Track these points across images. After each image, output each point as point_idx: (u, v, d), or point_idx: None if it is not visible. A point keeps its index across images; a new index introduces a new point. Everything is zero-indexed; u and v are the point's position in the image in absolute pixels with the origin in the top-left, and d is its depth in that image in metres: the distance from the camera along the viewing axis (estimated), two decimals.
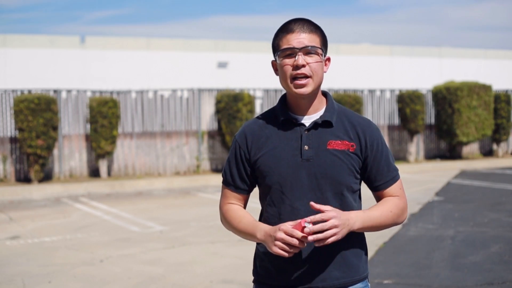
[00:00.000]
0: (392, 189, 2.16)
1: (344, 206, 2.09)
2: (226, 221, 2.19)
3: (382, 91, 17.35)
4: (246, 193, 2.22)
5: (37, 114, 12.50)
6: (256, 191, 2.29)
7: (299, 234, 1.91)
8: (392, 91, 17.48)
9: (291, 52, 2.03)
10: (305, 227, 1.91)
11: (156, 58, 18.08)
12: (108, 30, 68.91)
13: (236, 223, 2.14)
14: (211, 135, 14.96)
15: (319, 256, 2.06)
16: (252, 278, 2.24)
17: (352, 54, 20.57)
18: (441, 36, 71.20)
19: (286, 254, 1.95)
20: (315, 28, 2.08)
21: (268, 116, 2.17)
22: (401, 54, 21.75)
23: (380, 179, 2.14)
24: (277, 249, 1.95)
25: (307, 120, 2.11)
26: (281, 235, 1.94)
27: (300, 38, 2.03)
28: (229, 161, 2.21)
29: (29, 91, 13.18)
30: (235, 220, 2.15)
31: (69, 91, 13.70)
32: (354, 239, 2.12)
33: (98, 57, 17.35)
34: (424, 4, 74.50)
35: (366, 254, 2.19)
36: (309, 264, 2.07)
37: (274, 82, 16.83)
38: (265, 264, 2.14)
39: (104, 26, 65.82)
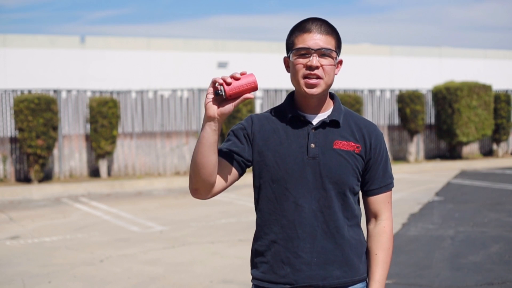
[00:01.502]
0: (383, 197, 2.16)
1: (346, 205, 2.10)
2: (191, 160, 2.05)
3: (382, 91, 17.35)
4: (233, 162, 2.10)
5: (37, 114, 12.50)
6: (251, 192, 2.27)
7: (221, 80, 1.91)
8: (392, 91, 17.48)
9: (306, 52, 2.03)
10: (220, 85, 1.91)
11: (156, 58, 18.08)
12: (108, 30, 68.91)
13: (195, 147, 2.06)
14: None
15: (321, 255, 2.07)
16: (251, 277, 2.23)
17: (352, 54, 20.58)
18: (441, 36, 71.23)
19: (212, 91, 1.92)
20: (332, 30, 2.07)
21: (275, 113, 2.16)
22: (401, 54, 21.76)
23: (374, 183, 2.15)
24: (210, 94, 1.93)
25: (315, 119, 2.11)
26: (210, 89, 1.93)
27: (316, 39, 2.03)
28: (234, 133, 2.14)
29: (29, 91, 13.18)
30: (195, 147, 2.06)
31: (69, 91, 13.69)
32: (355, 240, 2.12)
33: (98, 57, 17.36)
34: (424, 4, 74.53)
35: (366, 255, 2.19)
36: (310, 262, 2.07)
37: (274, 82, 16.85)
38: (264, 263, 2.14)
39: (104, 26, 65.83)
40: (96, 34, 40.28)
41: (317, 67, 2.01)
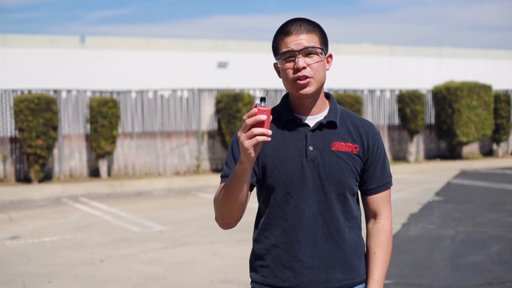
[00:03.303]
0: (382, 196, 2.15)
1: (346, 207, 2.09)
2: (219, 199, 2.02)
3: (382, 91, 17.35)
4: (248, 186, 2.06)
5: (37, 114, 12.50)
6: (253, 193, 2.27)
7: (255, 110, 1.80)
8: (392, 91, 17.48)
9: (291, 55, 2.02)
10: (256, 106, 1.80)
11: (156, 58, 18.08)
12: (108, 30, 68.96)
13: (224, 189, 2.01)
14: (211, 135, 14.96)
15: (322, 258, 2.06)
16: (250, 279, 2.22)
17: (352, 54, 20.58)
18: (441, 36, 71.27)
19: (260, 139, 1.81)
20: (313, 27, 2.05)
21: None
22: (401, 54, 21.75)
23: (373, 182, 2.13)
24: (248, 142, 1.81)
25: (311, 121, 2.09)
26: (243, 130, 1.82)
27: (298, 40, 2.01)
28: (232, 153, 2.10)
29: (29, 91, 13.18)
30: (222, 189, 2.02)
31: (69, 91, 13.70)
32: (356, 242, 2.12)
33: (98, 57, 17.36)
34: (424, 4, 74.58)
35: (366, 256, 2.18)
36: (312, 266, 2.06)
37: (274, 82, 16.85)
38: (264, 267, 2.13)
39: (104, 26, 65.87)
40: (96, 34, 40.31)
41: (304, 68, 2.00)
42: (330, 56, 2.11)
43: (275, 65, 2.12)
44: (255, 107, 1.80)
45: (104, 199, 11.49)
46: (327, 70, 2.09)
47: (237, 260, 6.41)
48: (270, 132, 1.81)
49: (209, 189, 12.72)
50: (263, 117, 1.79)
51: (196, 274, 5.96)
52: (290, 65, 2.02)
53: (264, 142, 2.06)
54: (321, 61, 2.03)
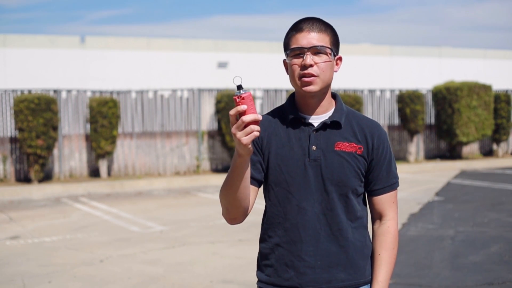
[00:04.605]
0: (387, 197, 2.14)
1: (349, 207, 2.09)
2: (222, 194, 2.02)
3: (382, 91, 17.35)
4: (255, 183, 2.09)
5: (37, 114, 12.50)
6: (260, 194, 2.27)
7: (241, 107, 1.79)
8: (392, 91, 17.48)
9: (300, 52, 2.02)
10: (239, 95, 1.80)
11: (156, 58, 18.07)
12: (108, 30, 68.99)
13: (225, 183, 2.00)
14: (211, 135, 14.96)
15: (324, 258, 2.06)
16: (256, 279, 2.22)
17: (352, 54, 20.57)
18: (441, 36, 71.30)
19: (256, 134, 1.80)
20: (325, 27, 2.06)
21: (276, 114, 2.15)
22: (401, 54, 21.75)
23: (378, 183, 2.13)
24: (246, 138, 1.80)
25: (315, 120, 2.09)
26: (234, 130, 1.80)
27: (309, 38, 2.02)
28: None
29: (29, 91, 13.18)
30: (224, 183, 2.01)
31: (69, 91, 13.70)
32: (360, 242, 2.11)
33: (98, 57, 17.35)
34: (424, 4, 74.61)
35: (371, 257, 2.18)
36: (314, 266, 2.06)
37: (274, 82, 16.86)
38: (269, 266, 2.13)
39: (104, 26, 65.89)
40: (96, 34, 40.30)
41: (311, 65, 2.00)
42: (340, 58, 2.11)
43: (284, 61, 2.13)
44: (236, 97, 1.81)
45: (104, 199, 11.49)
46: (335, 72, 2.10)
47: (237, 260, 6.41)
48: (259, 117, 1.81)
49: (209, 189, 12.72)
50: (244, 107, 1.79)
51: (196, 274, 5.96)
52: (298, 61, 2.03)
53: (268, 140, 2.08)
54: (329, 61, 2.04)
